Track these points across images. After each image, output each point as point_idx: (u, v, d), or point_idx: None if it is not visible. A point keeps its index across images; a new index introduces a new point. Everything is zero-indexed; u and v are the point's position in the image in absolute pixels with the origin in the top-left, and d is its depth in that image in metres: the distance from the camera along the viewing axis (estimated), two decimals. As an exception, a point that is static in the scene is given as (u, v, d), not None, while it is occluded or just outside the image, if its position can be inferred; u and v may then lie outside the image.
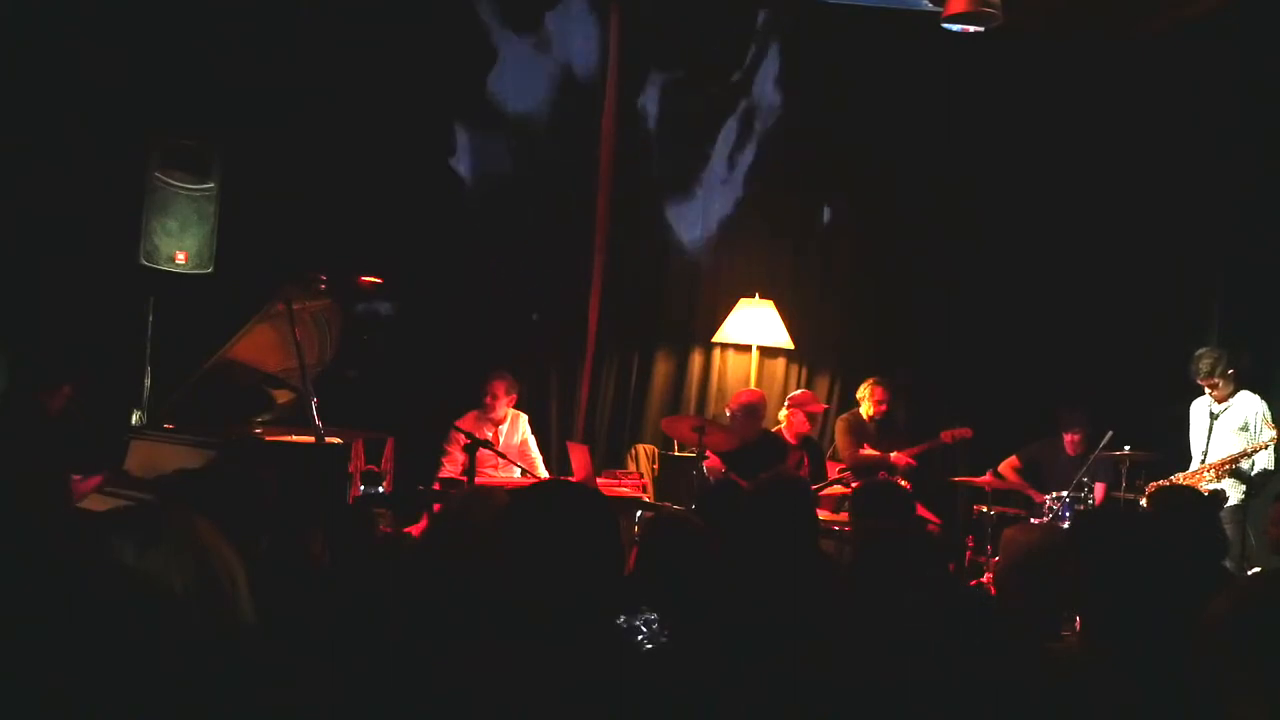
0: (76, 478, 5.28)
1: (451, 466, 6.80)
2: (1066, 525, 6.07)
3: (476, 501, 3.25)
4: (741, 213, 8.30)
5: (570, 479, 6.24)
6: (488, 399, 6.94)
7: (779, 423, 7.16)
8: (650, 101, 8.15)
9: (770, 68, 8.22)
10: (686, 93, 8.10)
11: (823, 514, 5.68)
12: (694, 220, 8.28)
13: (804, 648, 2.58)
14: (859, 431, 7.35)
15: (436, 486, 6.54)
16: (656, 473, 7.59)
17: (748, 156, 8.25)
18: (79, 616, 1.49)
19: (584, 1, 7.98)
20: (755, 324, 7.89)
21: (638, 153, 8.13)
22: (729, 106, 8.21)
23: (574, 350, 8.15)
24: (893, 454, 7.24)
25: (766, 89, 8.21)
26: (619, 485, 6.92)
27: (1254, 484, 6.69)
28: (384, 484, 5.79)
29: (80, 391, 6.07)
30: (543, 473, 7.07)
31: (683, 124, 8.15)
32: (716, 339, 8.08)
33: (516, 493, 2.55)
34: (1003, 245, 8.09)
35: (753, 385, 7.77)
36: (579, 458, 7.05)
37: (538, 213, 7.92)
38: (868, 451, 7.28)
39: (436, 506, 5.26)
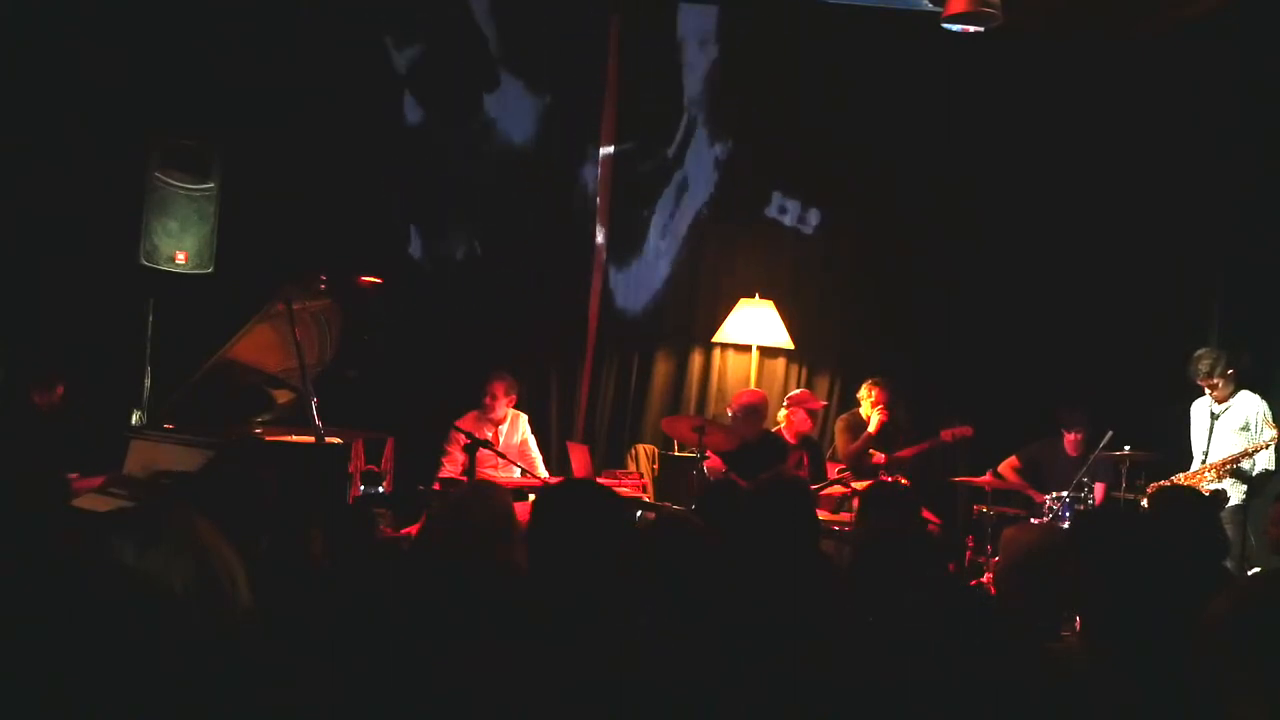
0: (74, 476, 5.28)
1: (451, 466, 6.80)
2: (1066, 525, 6.08)
3: (476, 498, 3.25)
4: (742, 213, 8.30)
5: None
6: (487, 399, 6.93)
7: (779, 423, 7.16)
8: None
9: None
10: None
11: (823, 514, 5.68)
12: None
13: (804, 648, 2.58)
14: (858, 431, 7.33)
15: (436, 486, 6.54)
16: (656, 473, 7.58)
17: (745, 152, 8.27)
18: (79, 616, 1.49)
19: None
20: (755, 324, 7.88)
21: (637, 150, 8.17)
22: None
23: (574, 350, 8.15)
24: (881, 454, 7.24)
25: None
26: (619, 485, 6.92)
27: (1255, 484, 6.69)
28: (384, 484, 5.79)
29: (76, 390, 6.07)
30: (543, 473, 7.06)
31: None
32: (716, 339, 8.08)
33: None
34: (1003, 245, 8.08)
35: (753, 385, 7.77)
36: (579, 458, 7.05)
37: (538, 214, 7.93)
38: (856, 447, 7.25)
39: (436, 507, 5.26)
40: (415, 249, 7.84)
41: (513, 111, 7.94)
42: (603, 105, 8.04)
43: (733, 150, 8.24)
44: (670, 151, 8.22)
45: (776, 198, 8.35)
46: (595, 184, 8.12)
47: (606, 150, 8.13)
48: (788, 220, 8.35)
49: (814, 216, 8.39)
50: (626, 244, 8.21)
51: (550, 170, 7.99)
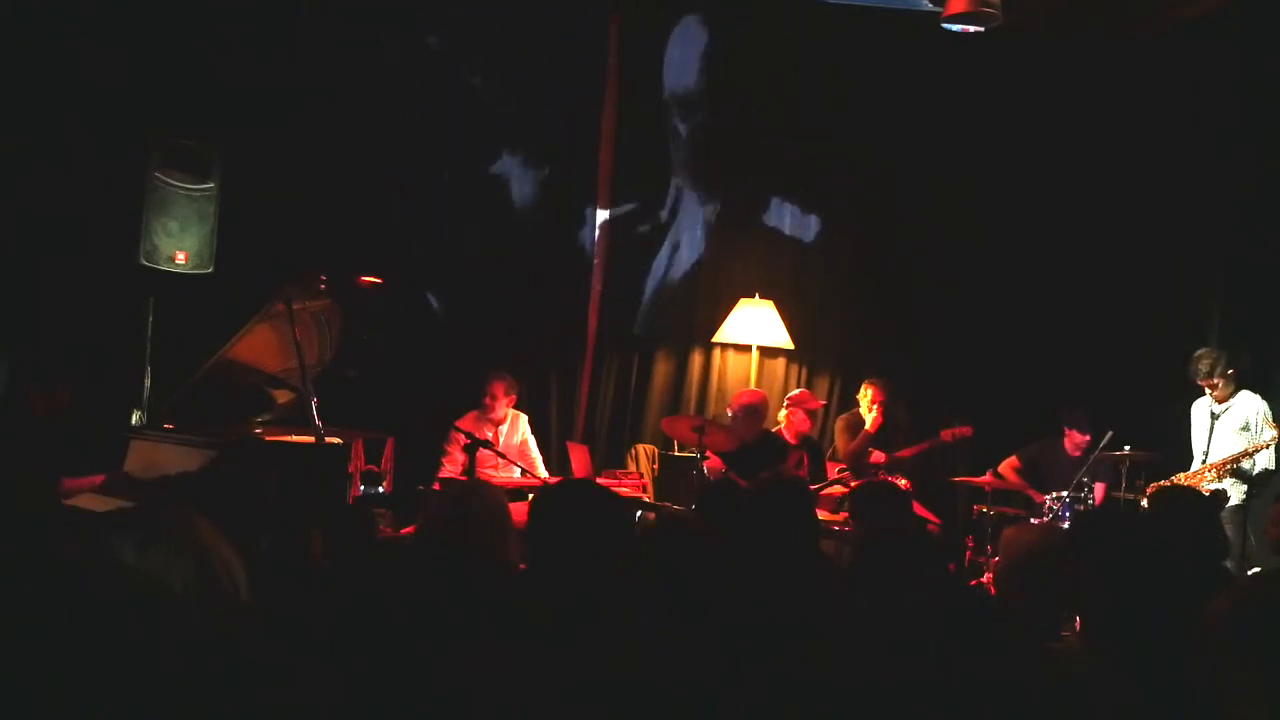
0: (69, 479, 5.28)
1: (451, 466, 6.80)
2: (1066, 525, 6.07)
3: (470, 497, 3.25)
4: (741, 213, 8.30)
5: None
6: (487, 399, 6.93)
7: (778, 423, 7.16)
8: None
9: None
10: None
11: (823, 514, 5.68)
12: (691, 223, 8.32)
13: (804, 648, 2.58)
14: (858, 431, 7.34)
15: (436, 486, 6.53)
16: (656, 473, 7.58)
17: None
18: (79, 616, 1.49)
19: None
20: (755, 324, 7.88)
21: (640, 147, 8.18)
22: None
23: (574, 350, 8.15)
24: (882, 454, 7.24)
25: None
26: (619, 485, 6.91)
27: (1255, 484, 6.69)
28: (384, 484, 5.79)
29: (76, 390, 6.07)
30: (543, 473, 7.06)
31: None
32: (716, 339, 8.08)
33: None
34: (1003, 245, 8.09)
35: (753, 385, 7.76)
36: (579, 458, 7.05)
37: (537, 218, 7.94)
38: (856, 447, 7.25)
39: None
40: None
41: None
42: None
43: (732, 153, 8.23)
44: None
45: (775, 203, 8.35)
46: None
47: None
48: (787, 225, 8.36)
49: (814, 221, 8.40)
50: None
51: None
